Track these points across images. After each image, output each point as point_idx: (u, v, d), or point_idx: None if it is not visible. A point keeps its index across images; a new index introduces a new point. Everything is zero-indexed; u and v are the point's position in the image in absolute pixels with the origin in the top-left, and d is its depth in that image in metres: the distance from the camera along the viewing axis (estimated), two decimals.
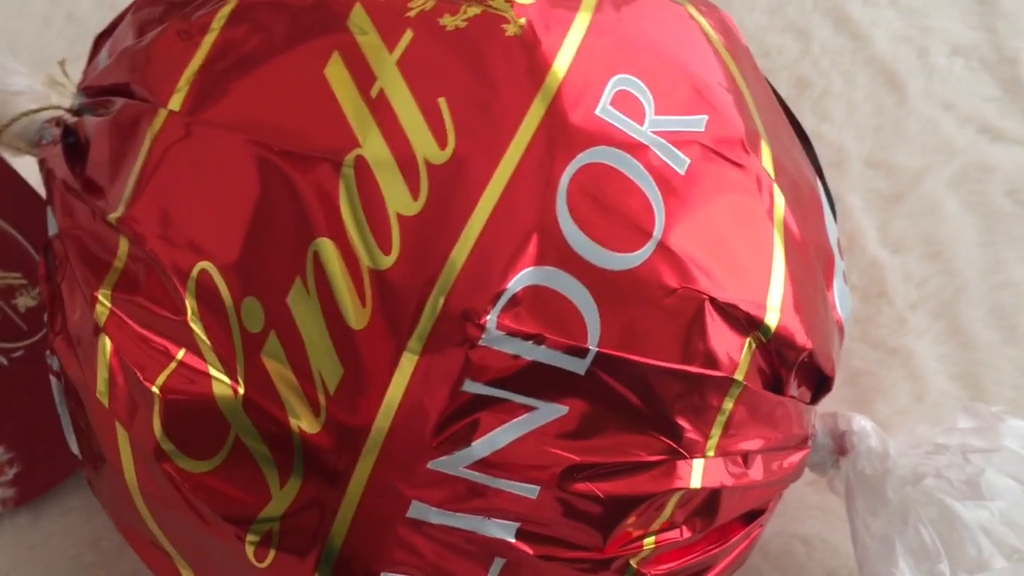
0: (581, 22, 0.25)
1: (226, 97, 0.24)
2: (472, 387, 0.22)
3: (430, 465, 0.23)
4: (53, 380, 0.28)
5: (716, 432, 0.25)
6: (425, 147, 0.23)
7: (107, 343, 0.24)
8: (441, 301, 0.22)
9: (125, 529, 0.27)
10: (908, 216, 0.38)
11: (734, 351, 0.24)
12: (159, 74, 0.25)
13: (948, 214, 0.38)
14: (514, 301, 0.22)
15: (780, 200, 0.26)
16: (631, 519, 0.24)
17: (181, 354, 0.23)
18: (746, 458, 0.26)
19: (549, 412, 0.23)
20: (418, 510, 0.23)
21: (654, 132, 0.24)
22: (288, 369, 0.22)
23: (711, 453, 0.25)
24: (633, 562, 0.25)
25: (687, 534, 0.25)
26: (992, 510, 0.26)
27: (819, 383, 0.28)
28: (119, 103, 0.26)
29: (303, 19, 0.25)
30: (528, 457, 0.23)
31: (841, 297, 0.29)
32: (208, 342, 0.23)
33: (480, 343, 0.22)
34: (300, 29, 0.25)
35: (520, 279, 0.22)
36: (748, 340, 0.25)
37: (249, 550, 0.24)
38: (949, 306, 0.37)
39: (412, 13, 0.24)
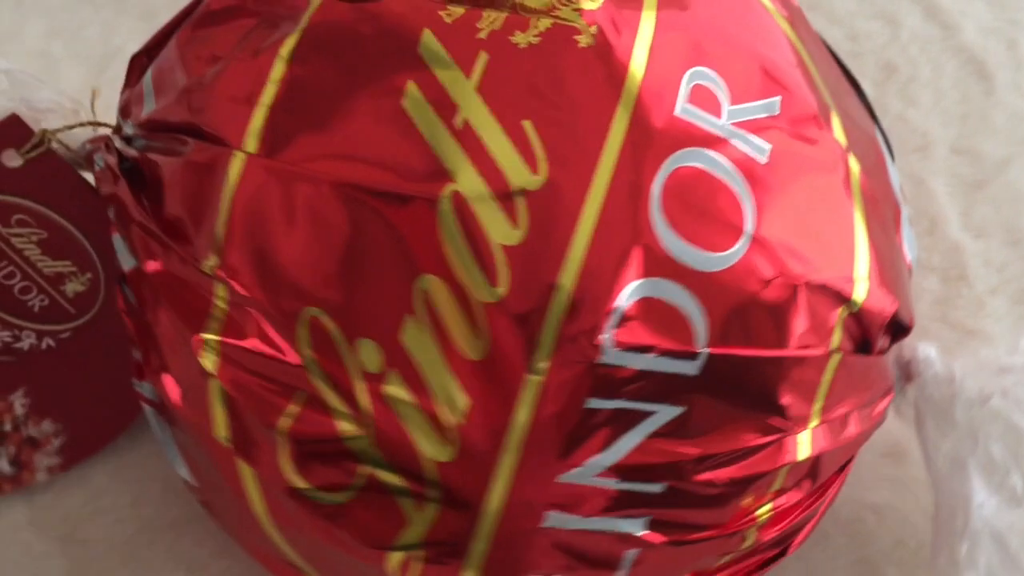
0: (648, 20, 0.25)
1: (303, 137, 0.24)
2: (594, 403, 0.23)
3: (560, 479, 0.23)
4: (147, 408, 0.28)
5: (818, 404, 0.25)
6: (518, 175, 0.23)
7: (220, 388, 0.24)
8: (556, 326, 0.22)
9: (252, 549, 0.27)
10: (991, 203, 0.39)
11: (828, 326, 0.25)
12: (228, 115, 0.25)
13: None
14: (625, 317, 0.23)
15: (855, 168, 0.26)
16: (748, 497, 0.25)
17: (301, 396, 0.24)
18: (844, 419, 0.26)
19: (667, 414, 0.23)
20: (553, 520, 0.24)
21: (733, 124, 0.24)
22: (414, 403, 0.23)
23: (814, 423, 0.25)
24: (751, 531, 0.26)
25: (796, 497, 0.26)
26: None
27: (898, 331, 0.28)
28: (190, 144, 0.26)
29: (372, 48, 0.24)
30: (652, 458, 0.23)
31: (908, 242, 0.30)
32: (328, 384, 0.23)
33: (598, 362, 0.23)
34: (371, 59, 0.24)
35: (628, 295, 0.23)
36: (839, 312, 0.25)
37: (391, 570, 0.24)
38: None
39: (483, 34, 0.24)
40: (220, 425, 0.25)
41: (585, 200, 0.23)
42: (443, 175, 0.23)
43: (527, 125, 0.23)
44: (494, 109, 0.23)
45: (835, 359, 0.25)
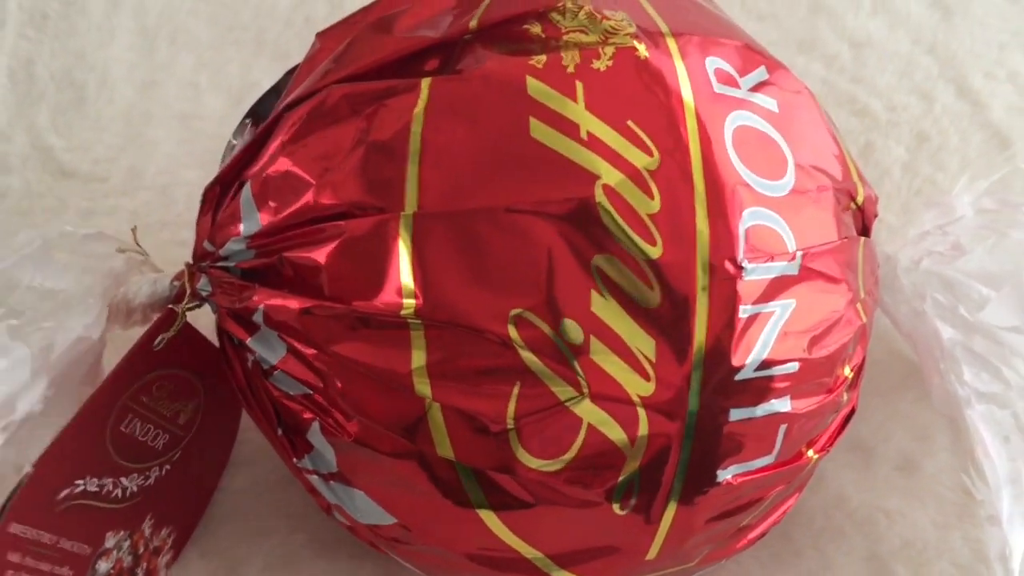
0: (667, 33, 0.30)
1: (458, 186, 0.28)
2: (745, 311, 0.28)
3: (736, 378, 0.28)
4: (314, 478, 0.31)
5: (860, 280, 0.32)
6: (640, 160, 0.28)
7: (439, 409, 0.28)
8: (706, 261, 0.28)
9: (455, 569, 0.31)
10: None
11: (852, 220, 0.32)
12: (380, 188, 0.28)
13: None
14: (747, 240, 0.28)
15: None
16: (842, 361, 0.31)
17: (517, 387, 0.28)
18: (872, 293, 0.33)
19: (787, 307, 0.29)
20: (734, 415, 0.29)
21: (749, 90, 0.31)
22: (615, 357, 0.27)
23: (862, 296, 0.32)
24: (844, 392, 0.32)
25: (859, 358, 0.32)
26: (973, 260, 0.33)
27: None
28: (342, 226, 0.28)
29: (489, 101, 0.28)
30: (787, 344, 0.29)
31: None
32: (543, 365, 0.27)
33: (742, 278, 0.28)
34: (491, 110, 0.28)
35: (744, 223, 0.28)
36: (852, 207, 0.32)
37: (615, 508, 0.29)
38: None
39: (570, 69, 0.29)
40: (444, 445, 0.28)
41: (691, 163, 0.28)
42: (590, 176, 0.28)
43: (631, 124, 0.28)
44: (604, 119, 0.28)
45: (862, 242, 0.32)
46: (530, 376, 0.28)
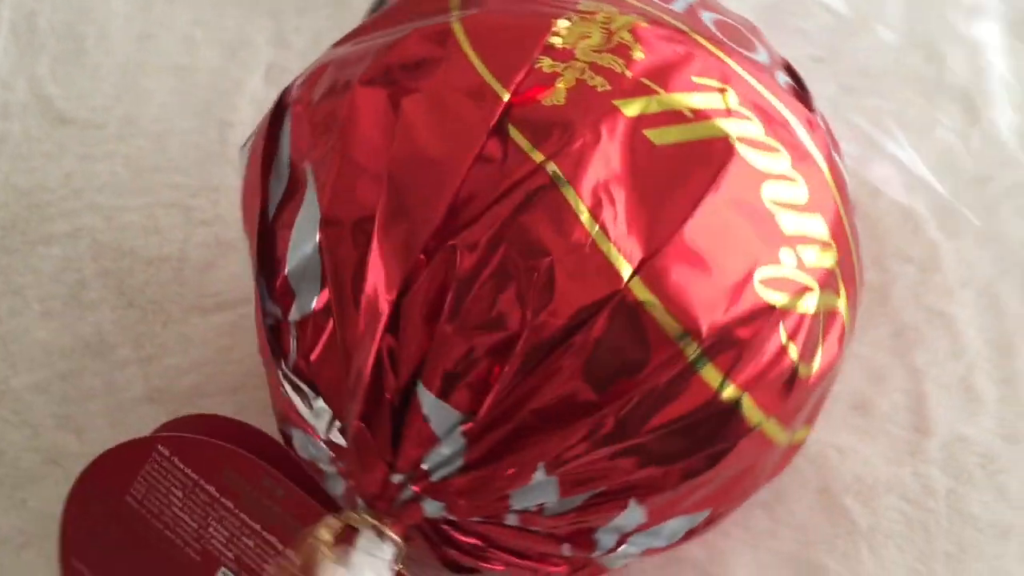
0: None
1: (648, 229, 0.28)
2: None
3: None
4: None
5: None
6: (734, 102, 0.30)
7: (750, 404, 0.29)
8: (826, 171, 0.32)
9: None
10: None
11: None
12: (592, 278, 0.27)
13: None
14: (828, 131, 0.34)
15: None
16: None
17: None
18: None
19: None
20: None
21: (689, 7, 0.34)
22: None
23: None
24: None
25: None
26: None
27: None
28: (587, 333, 0.27)
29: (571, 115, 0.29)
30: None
31: None
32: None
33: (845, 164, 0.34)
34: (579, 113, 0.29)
35: (819, 116, 0.33)
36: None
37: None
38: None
39: (628, 73, 0.30)
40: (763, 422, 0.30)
41: (757, 92, 0.31)
42: (724, 138, 0.29)
43: (696, 79, 0.30)
44: (686, 90, 0.29)
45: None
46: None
